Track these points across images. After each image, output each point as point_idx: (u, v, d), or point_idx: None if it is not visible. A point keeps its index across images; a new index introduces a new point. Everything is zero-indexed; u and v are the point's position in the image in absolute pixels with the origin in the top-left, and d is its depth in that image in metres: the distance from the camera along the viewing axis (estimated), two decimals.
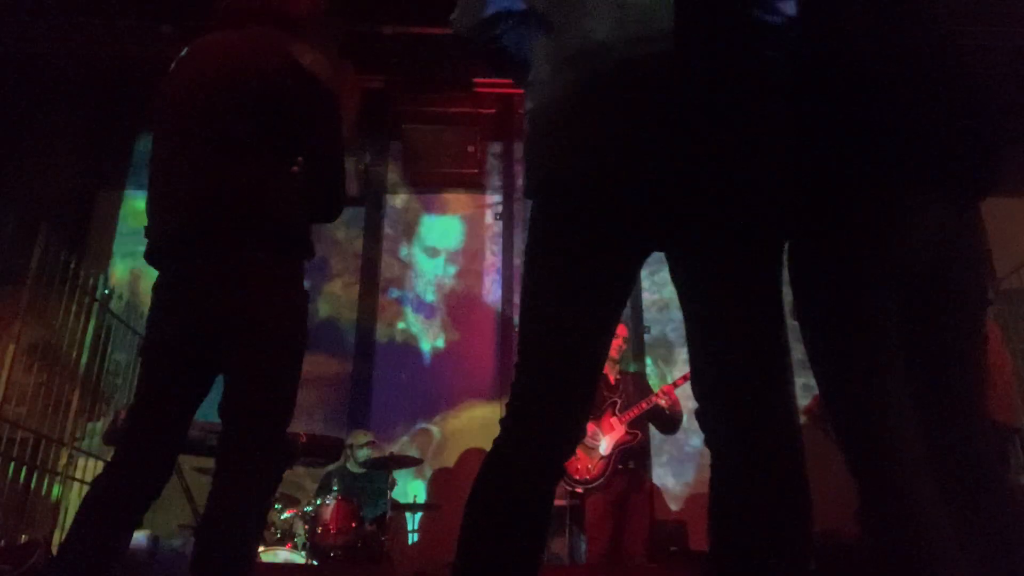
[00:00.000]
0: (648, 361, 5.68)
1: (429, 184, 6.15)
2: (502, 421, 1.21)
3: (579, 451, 4.17)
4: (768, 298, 1.18)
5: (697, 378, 1.23)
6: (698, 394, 1.23)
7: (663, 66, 1.14)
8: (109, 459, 1.75)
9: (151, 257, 1.78)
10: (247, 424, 1.64)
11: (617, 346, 4.34)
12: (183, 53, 1.89)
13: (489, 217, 6.17)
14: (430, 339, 5.83)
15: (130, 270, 5.66)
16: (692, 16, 1.16)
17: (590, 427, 4.16)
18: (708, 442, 1.20)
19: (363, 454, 4.58)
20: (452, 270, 6.04)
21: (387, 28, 5.13)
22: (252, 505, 1.62)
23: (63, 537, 1.65)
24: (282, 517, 3.99)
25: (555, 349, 1.20)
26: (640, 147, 1.13)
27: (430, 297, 5.97)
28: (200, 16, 1.95)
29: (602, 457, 4.12)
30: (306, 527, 3.83)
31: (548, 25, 1.27)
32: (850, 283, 1.40)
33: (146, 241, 1.79)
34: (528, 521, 1.16)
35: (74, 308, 4.49)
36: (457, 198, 6.23)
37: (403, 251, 6.11)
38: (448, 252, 6.10)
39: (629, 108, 1.15)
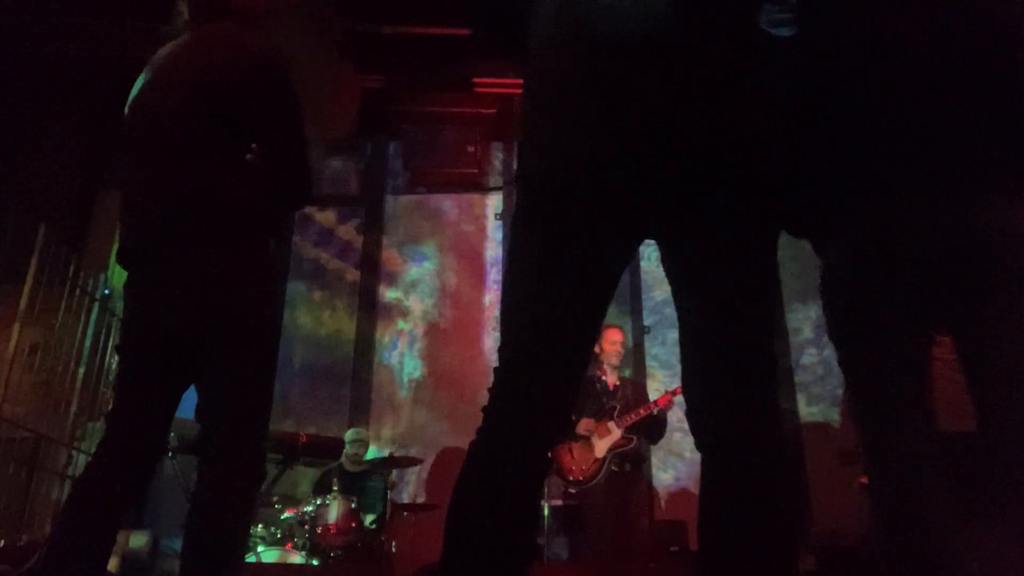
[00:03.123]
0: (648, 362, 5.68)
1: (429, 184, 6.14)
2: (485, 410, 1.17)
3: (575, 452, 4.20)
4: (762, 293, 1.14)
5: (689, 378, 1.19)
6: (688, 395, 1.19)
7: (660, 48, 1.10)
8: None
9: (120, 260, 1.80)
10: (227, 421, 1.64)
11: (616, 351, 4.39)
12: (149, 63, 1.91)
13: (489, 217, 6.17)
14: (430, 338, 5.83)
15: None
16: (691, 8, 1.12)
17: (589, 428, 4.20)
18: (699, 444, 1.16)
19: (352, 452, 4.56)
20: (452, 270, 6.04)
21: (387, 28, 5.12)
22: (237, 504, 1.62)
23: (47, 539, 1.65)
24: (282, 517, 3.99)
25: (540, 338, 1.14)
26: (636, 127, 1.08)
27: (430, 297, 5.96)
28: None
29: (596, 459, 4.15)
30: (306, 527, 3.83)
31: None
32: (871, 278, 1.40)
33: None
34: (515, 517, 1.12)
35: (74, 308, 4.49)
36: (457, 198, 6.22)
37: (403, 251, 6.11)
38: (448, 252, 6.10)
39: (625, 88, 1.10)
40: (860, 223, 1.42)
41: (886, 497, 1.37)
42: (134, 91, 1.88)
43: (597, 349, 4.46)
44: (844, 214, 1.44)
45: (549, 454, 1.19)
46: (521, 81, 1.32)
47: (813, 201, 1.51)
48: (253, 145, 1.80)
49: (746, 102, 1.11)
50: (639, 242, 1.23)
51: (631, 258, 1.23)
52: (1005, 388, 1.34)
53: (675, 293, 1.20)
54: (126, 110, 1.88)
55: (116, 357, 1.80)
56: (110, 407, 1.78)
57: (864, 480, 3.44)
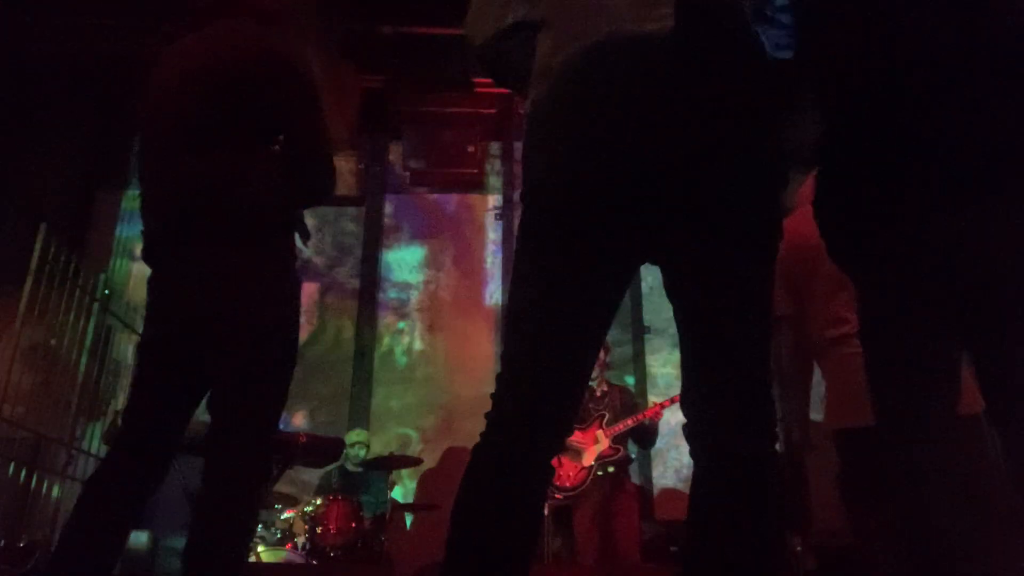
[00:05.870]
0: (647, 363, 5.68)
1: (429, 184, 6.14)
2: (488, 416, 1.20)
3: (564, 458, 4.22)
4: (762, 312, 1.18)
5: (688, 392, 1.22)
6: (687, 407, 1.22)
7: (659, 69, 1.12)
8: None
9: (145, 256, 1.79)
10: (237, 419, 1.63)
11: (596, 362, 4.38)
12: (162, 56, 1.90)
13: (489, 218, 6.17)
14: (430, 340, 5.83)
15: (130, 270, 5.66)
16: (693, 21, 1.14)
17: (577, 436, 4.21)
18: (693, 454, 1.19)
19: (354, 453, 4.58)
20: (452, 271, 6.03)
21: (387, 28, 5.12)
22: (242, 502, 1.61)
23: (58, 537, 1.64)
24: (282, 517, 3.99)
25: (542, 358, 1.18)
26: (636, 149, 1.11)
27: (430, 297, 5.96)
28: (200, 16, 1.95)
29: (584, 467, 4.18)
30: (306, 527, 3.83)
31: (552, 28, 1.26)
32: (890, 297, 1.38)
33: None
34: (518, 523, 1.15)
35: (74, 308, 4.49)
36: (457, 198, 6.22)
37: (403, 251, 6.11)
38: (448, 253, 6.10)
39: (625, 110, 1.13)
40: (894, 231, 1.38)
41: (903, 500, 1.35)
42: (154, 85, 1.86)
43: None
44: (877, 222, 1.40)
45: (552, 461, 1.21)
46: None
47: (842, 211, 1.48)
48: (277, 142, 1.79)
49: (742, 132, 1.14)
50: (639, 264, 1.27)
51: (632, 278, 1.26)
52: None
53: (676, 316, 1.23)
54: (144, 104, 1.85)
55: (122, 358, 1.79)
56: (126, 406, 1.76)
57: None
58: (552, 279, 1.18)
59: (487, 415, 1.20)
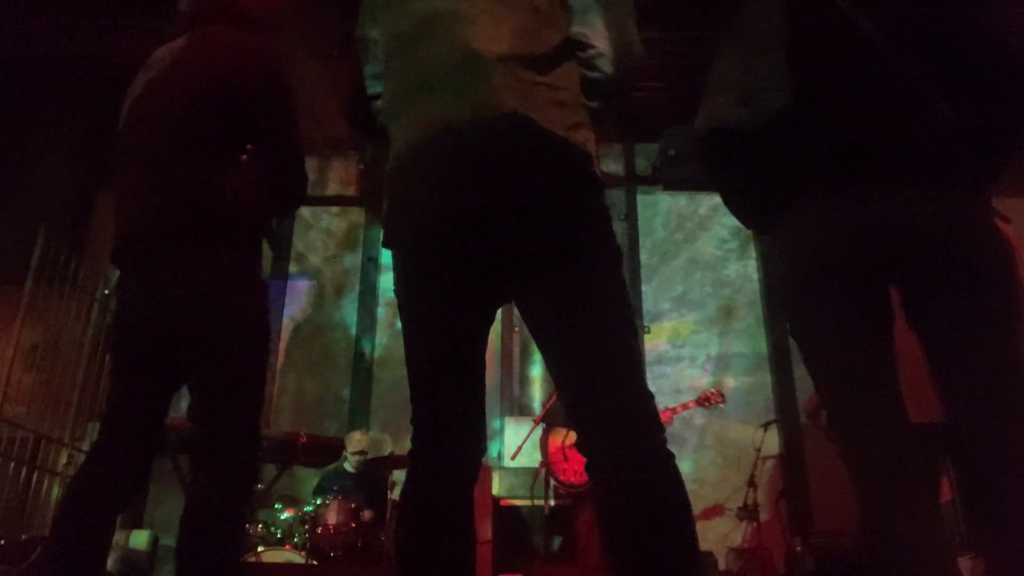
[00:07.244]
0: (647, 363, 5.68)
1: None
2: (409, 457, 1.35)
3: (569, 455, 4.21)
4: (612, 318, 1.27)
5: (567, 410, 1.29)
6: (575, 424, 1.28)
7: (471, 151, 1.31)
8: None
9: (114, 258, 1.80)
10: (216, 424, 1.65)
11: None
12: (146, 61, 1.91)
13: None
14: None
15: None
16: (487, 112, 1.31)
17: None
18: (590, 467, 1.25)
19: (355, 460, 4.54)
20: None
21: None
22: (229, 505, 1.62)
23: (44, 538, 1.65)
24: (282, 517, 3.99)
25: (428, 382, 1.36)
26: (463, 217, 1.29)
27: None
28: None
29: None
30: (306, 527, 3.83)
31: (394, 108, 1.53)
32: (811, 281, 1.42)
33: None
34: (447, 529, 1.28)
35: (74, 308, 4.49)
36: None
37: None
38: None
39: (454, 184, 1.31)
40: (819, 213, 1.42)
41: (866, 498, 1.37)
42: (133, 91, 1.88)
43: None
44: (802, 205, 1.45)
45: (471, 473, 1.34)
46: None
47: (773, 194, 1.53)
48: (248, 147, 1.81)
49: (550, 193, 1.28)
50: (494, 304, 1.41)
51: (491, 317, 1.41)
52: (968, 382, 1.34)
53: (540, 348, 1.34)
54: (124, 109, 1.87)
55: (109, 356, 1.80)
56: (103, 406, 1.78)
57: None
58: (423, 315, 1.38)
59: (408, 454, 1.35)
